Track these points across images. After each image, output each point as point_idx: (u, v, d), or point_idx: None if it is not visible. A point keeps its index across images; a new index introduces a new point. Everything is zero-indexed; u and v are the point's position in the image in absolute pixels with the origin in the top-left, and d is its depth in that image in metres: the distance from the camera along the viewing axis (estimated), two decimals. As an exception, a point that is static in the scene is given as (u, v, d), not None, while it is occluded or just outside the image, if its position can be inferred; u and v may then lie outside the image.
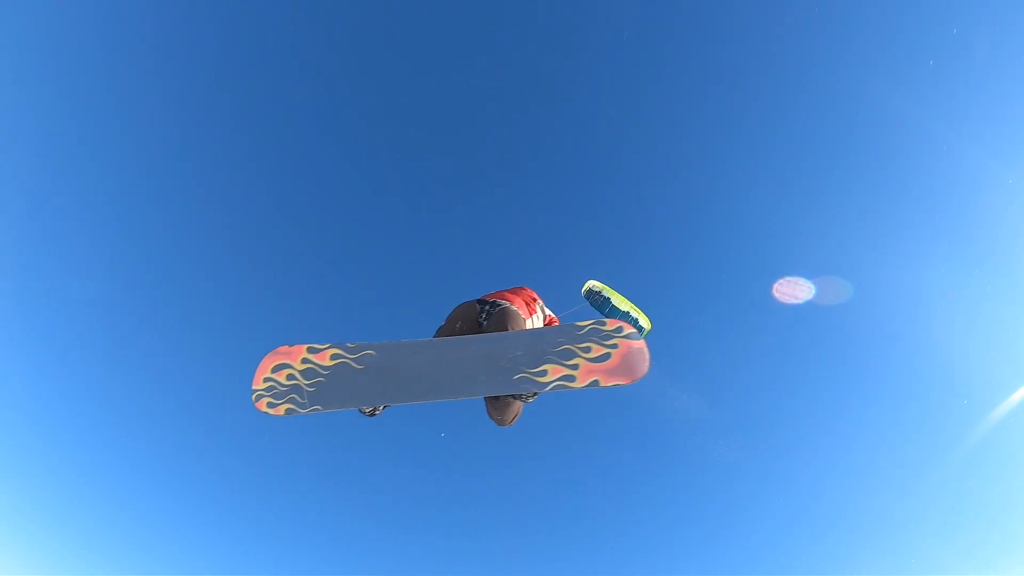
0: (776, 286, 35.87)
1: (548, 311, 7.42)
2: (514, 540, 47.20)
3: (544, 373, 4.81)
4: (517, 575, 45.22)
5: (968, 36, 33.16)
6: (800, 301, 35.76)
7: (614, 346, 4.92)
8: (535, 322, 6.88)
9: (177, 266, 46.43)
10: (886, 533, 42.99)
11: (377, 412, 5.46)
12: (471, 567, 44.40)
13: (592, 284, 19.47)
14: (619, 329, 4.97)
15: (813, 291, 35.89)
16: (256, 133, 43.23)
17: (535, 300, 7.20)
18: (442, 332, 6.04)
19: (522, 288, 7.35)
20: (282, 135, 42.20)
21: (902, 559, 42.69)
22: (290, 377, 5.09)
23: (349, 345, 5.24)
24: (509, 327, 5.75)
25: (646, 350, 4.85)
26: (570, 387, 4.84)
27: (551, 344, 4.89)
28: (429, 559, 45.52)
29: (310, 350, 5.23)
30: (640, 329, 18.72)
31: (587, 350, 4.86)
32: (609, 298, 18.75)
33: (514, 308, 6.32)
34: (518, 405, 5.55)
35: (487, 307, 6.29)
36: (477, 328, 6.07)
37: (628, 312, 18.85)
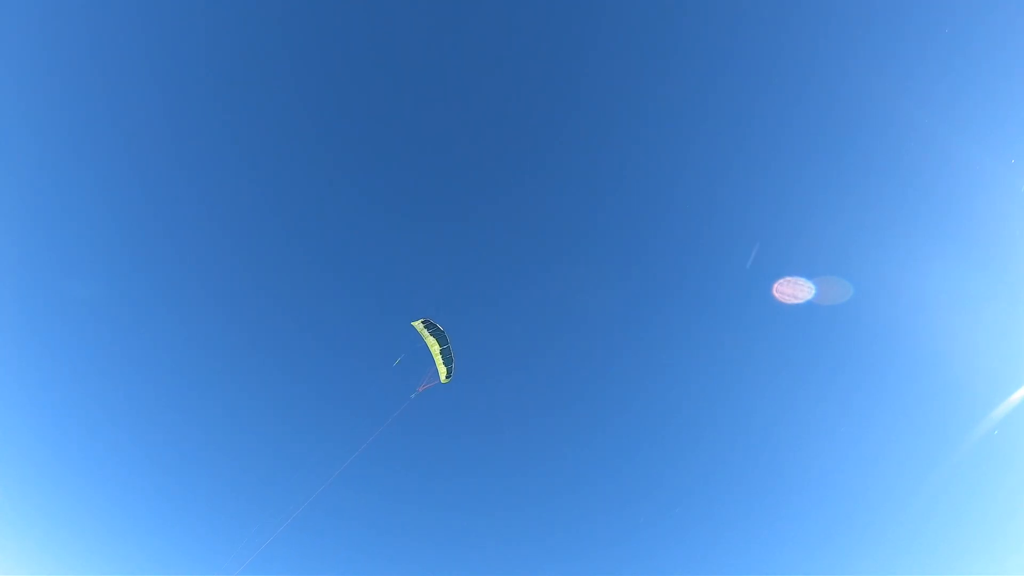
0: (776, 286, 35.77)
1: None
2: (513, 539, 46.97)
3: None
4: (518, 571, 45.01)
5: (968, 37, 33.08)
6: (800, 301, 35.68)
7: None
8: None
9: (176, 267, 46.08)
10: (884, 532, 42.86)
11: None
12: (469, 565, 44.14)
13: (427, 337, 27.84)
14: None
15: (813, 291, 35.80)
16: (255, 136, 42.89)
17: None
18: None
19: None
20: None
21: (902, 558, 42.55)
22: None
23: None
24: None
25: None
26: None
27: None
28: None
29: None
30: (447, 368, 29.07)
31: None
32: (429, 344, 27.34)
33: None
34: None
35: None
36: None
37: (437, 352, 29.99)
